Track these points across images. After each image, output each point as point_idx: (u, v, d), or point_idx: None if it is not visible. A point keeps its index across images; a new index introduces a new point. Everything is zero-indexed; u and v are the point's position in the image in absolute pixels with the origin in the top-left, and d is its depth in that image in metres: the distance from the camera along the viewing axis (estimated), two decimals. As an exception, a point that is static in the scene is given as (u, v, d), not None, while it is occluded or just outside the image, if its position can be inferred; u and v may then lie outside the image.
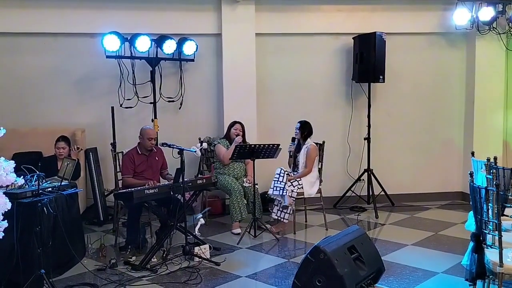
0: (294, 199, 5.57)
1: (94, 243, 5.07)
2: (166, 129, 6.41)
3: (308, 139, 5.79)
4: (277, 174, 5.62)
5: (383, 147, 7.00)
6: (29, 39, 6.37)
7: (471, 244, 3.52)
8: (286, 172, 5.64)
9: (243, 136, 6.03)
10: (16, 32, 6.27)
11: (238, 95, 6.55)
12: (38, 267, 3.89)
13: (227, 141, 6.05)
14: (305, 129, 5.78)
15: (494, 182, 3.26)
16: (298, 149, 5.85)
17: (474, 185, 3.37)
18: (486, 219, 3.28)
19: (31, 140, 6.04)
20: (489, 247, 3.35)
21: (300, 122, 5.82)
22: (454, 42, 7.04)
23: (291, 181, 5.61)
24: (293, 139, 5.85)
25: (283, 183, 5.53)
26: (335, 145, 6.84)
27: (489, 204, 3.24)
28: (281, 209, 5.61)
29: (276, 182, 5.58)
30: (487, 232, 3.32)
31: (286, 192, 5.49)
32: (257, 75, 6.62)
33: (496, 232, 3.20)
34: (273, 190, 5.57)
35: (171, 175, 5.45)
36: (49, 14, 6.26)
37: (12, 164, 3.40)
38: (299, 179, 5.66)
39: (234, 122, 6.07)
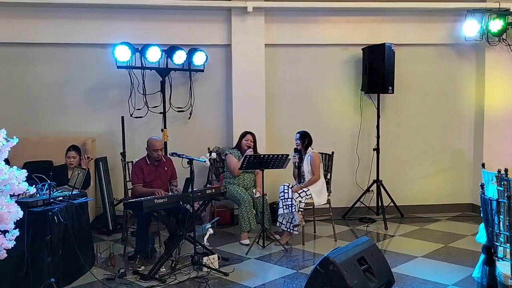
0: (303, 209, 5.55)
1: (103, 252, 5.08)
2: (176, 139, 6.44)
3: (309, 148, 5.80)
4: (281, 192, 5.58)
5: (393, 158, 6.98)
6: (41, 49, 6.45)
7: (482, 256, 3.49)
8: (291, 186, 5.63)
9: (255, 146, 6.04)
10: (27, 42, 6.35)
11: (247, 105, 6.58)
12: (48, 275, 3.92)
13: (239, 151, 6.05)
14: (305, 138, 5.79)
15: (506, 194, 3.25)
16: (300, 159, 5.85)
17: (485, 197, 3.36)
18: (497, 231, 3.26)
19: (42, 149, 6.08)
20: (500, 260, 3.33)
21: (299, 132, 5.83)
22: (464, 53, 7.03)
23: (299, 192, 5.60)
24: (296, 150, 5.84)
25: (290, 199, 5.51)
26: (344, 156, 6.84)
27: (500, 216, 3.22)
28: (290, 221, 5.59)
29: (283, 200, 5.55)
30: (498, 244, 3.30)
31: (295, 209, 5.48)
32: (266, 86, 6.64)
33: (508, 245, 3.18)
34: (283, 209, 5.53)
35: (176, 186, 5.48)
36: (60, 24, 6.34)
37: (24, 173, 3.42)
38: (306, 189, 5.65)
39: (246, 133, 6.07)
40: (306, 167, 5.77)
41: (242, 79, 6.57)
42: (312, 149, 5.82)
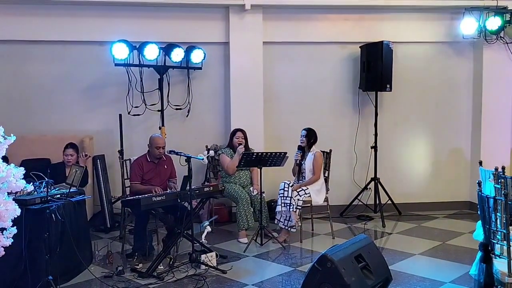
0: (301, 207, 5.55)
1: (101, 250, 5.09)
2: (174, 137, 6.43)
3: (313, 147, 5.79)
4: (281, 189, 5.58)
5: (390, 155, 6.99)
6: (38, 47, 6.43)
7: (479, 254, 3.50)
8: (290, 184, 5.62)
9: (246, 142, 6.03)
10: (25, 40, 6.33)
11: (245, 103, 6.57)
12: (46, 273, 3.91)
13: (231, 150, 6.05)
14: (311, 136, 5.77)
15: (503, 192, 3.25)
16: (303, 157, 5.83)
17: (483, 194, 3.37)
18: (495, 228, 3.27)
19: (40, 147, 6.08)
20: (497, 257, 3.34)
21: (305, 129, 5.81)
22: (462, 51, 7.03)
23: (298, 190, 5.60)
24: (300, 147, 5.83)
25: (289, 198, 5.50)
26: (342, 154, 6.84)
27: (498, 213, 3.23)
28: (287, 219, 5.59)
29: (282, 198, 5.55)
30: (495, 242, 3.31)
31: (292, 208, 5.47)
32: (264, 83, 6.64)
33: (505, 242, 3.19)
34: (281, 206, 5.53)
35: (175, 183, 5.48)
36: (58, 22, 6.32)
37: (22, 170, 3.42)
38: (306, 187, 5.65)
39: (236, 130, 6.06)
40: (308, 165, 5.74)
41: (240, 76, 6.56)
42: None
